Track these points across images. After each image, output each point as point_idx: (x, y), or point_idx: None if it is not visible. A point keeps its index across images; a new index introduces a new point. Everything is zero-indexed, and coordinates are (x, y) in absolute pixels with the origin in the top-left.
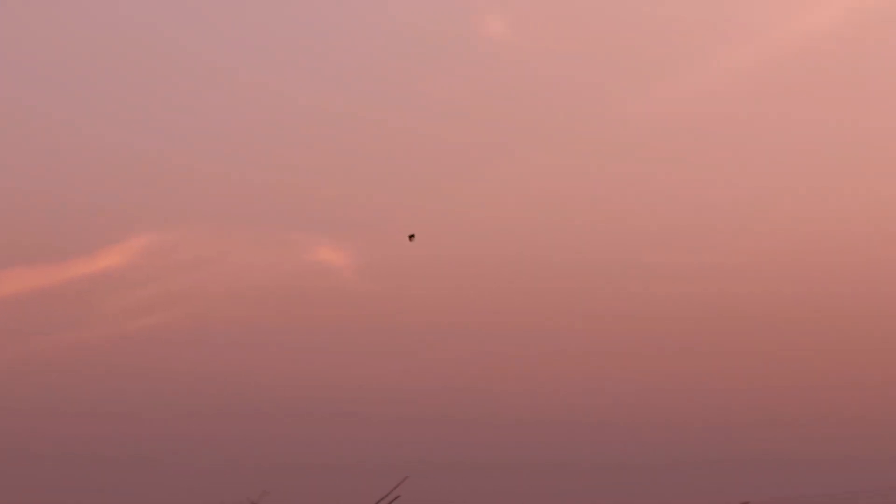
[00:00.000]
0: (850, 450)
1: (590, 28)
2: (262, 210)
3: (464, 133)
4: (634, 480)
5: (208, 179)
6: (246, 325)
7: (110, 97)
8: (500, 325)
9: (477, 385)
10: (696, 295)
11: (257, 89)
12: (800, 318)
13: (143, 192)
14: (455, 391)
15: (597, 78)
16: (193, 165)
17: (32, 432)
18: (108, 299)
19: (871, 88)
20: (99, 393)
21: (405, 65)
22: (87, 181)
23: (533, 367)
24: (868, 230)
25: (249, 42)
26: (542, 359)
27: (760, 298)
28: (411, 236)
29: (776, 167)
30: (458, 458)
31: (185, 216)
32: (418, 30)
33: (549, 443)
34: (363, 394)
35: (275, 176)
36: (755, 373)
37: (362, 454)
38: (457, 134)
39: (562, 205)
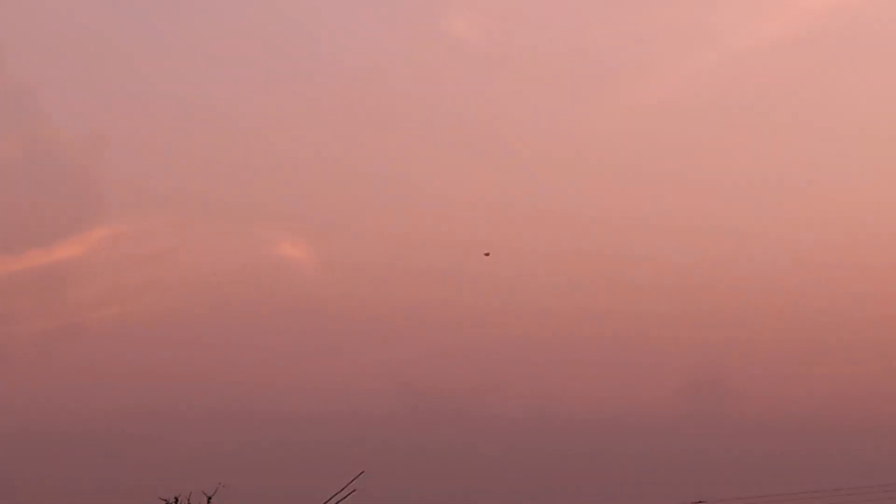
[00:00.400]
0: (804, 450)
1: (554, 34)
2: (222, 203)
3: (428, 134)
4: (591, 480)
5: (170, 172)
6: (205, 317)
7: (71, 90)
8: (458, 321)
9: (435, 380)
10: (661, 300)
11: (221, 87)
12: (768, 320)
13: (104, 184)
14: (413, 386)
15: (561, 82)
16: (155, 158)
17: None
18: (67, 289)
19: (832, 92)
20: (56, 384)
21: (368, 65)
22: (48, 173)
23: (491, 363)
24: (833, 233)
25: (216, 40)
26: (499, 356)
27: (714, 304)
28: (486, 254)
29: (736, 173)
30: (414, 454)
31: (146, 208)
32: (385, 31)
33: (507, 441)
34: (322, 388)
35: (236, 170)
36: (712, 374)
37: (318, 448)
38: (420, 136)
39: (523, 207)
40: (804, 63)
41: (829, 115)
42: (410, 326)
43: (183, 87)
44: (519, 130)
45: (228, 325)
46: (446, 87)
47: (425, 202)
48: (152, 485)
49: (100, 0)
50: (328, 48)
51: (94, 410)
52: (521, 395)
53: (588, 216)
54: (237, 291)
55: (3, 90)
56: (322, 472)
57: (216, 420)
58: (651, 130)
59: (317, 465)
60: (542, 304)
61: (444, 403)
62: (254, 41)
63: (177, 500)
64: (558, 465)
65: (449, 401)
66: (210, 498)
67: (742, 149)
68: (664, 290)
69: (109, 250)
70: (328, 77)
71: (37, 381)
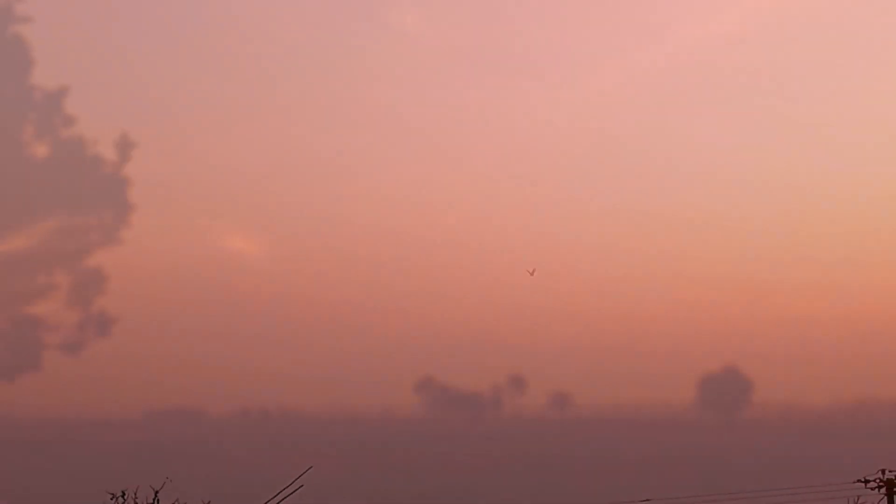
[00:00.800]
0: (751, 449)
1: (504, 27)
2: (171, 196)
3: (379, 125)
4: (536, 480)
5: (118, 164)
6: (154, 310)
7: (17, 79)
8: (404, 314)
9: (382, 376)
10: (575, 303)
11: (169, 77)
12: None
13: (52, 176)
14: (362, 382)
15: (506, 79)
16: (104, 150)
17: None
18: (14, 282)
19: (773, 90)
20: (3, 378)
21: (319, 57)
22: None
23: (437, 357)
24: (795, 225)
25: (161, 27)
26: (442, 351)
27: (643, 308)
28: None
29: (679, 171)
30: (362, 450)
31: (94, 200)
32: (332, 24)
33: (451, 440)
34: (273, 383)
35: (186, 162)
36: (651, 370)
37: (267, 444)
38: (371, 127)
39: (467, 204)
40: (758, 54)
41: (788, 105)
42: (363, 318)
43: (126, 82)
44: (471, 122)
45: (179, 317)
46: (395, 80)
47: (380, 193)
48: (98, 478)
49: None
50: (278, 41)
51: (46, 404)
52: (483, 393)
53: (547, 207)
54: (185, 285)
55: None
56: (270, 467)
57: (164, 414)
58: (608, 120)
59: (264, 460)
60: (508, 297)
61: (398, 399)
62: (199, 31)
63: (124, 494)
64: (508, 464)
65: (401, 396)
66: (157, 492)
67: (696, 138)
68: (635, 282)
69: (57, 243)
70: (280, 69)
71: None
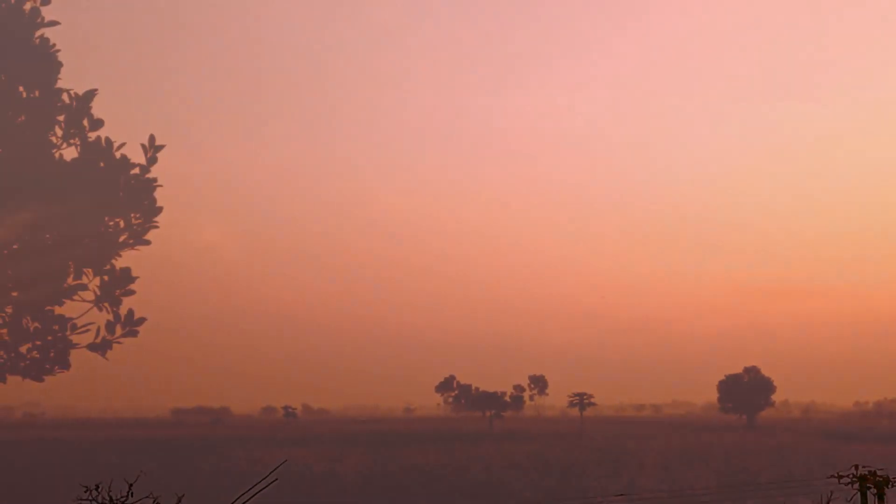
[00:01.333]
0: (727, 445)
1: (469, 27)
2: (186, 201)
3: (384, 128)
4: (507, 479)
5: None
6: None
7: None
8: (366, 309)
9: (353, 373)
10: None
11: (144, 74)
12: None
13: (24, 167)
14: (330, 378)
15: (490, 77)
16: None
17: None
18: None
19: (743, 85)
20: None
21: (298, 49)
22: None
23: (405, 353)
24: (743, 229)
25: (144, 27)
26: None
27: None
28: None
29: (688, 172)
30: (329, 446)
31: (67, 192)
32: (314, 17)
33: (412, 438)
34: (245, 379)
35: (203, 166)
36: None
37: (237, 440)
38: (377, 130)
39: (428, 206)
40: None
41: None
42: (331, 312)
43: (99, 77)
44: (436, 114)
45: (151, 310)
46: (371, 71)
47: (347, 187)
48: (70, 472)
49: None
50: (254, 35)
51: (12, 399)
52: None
53: (555, 209)
54: (161, 275)
55: None
56: (245, 462)
57: (136, 410)
58: (563, 118)
59: (237, 455)
60: (481, 293)
61: (365, 397)
62: (174, 29)
63: (97, 487)
64: (479, 464)
65: (370, 393)
66: (131, 485)
67: (697, 138)
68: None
69: (27, 235)
70: (255, 59)
71: None
